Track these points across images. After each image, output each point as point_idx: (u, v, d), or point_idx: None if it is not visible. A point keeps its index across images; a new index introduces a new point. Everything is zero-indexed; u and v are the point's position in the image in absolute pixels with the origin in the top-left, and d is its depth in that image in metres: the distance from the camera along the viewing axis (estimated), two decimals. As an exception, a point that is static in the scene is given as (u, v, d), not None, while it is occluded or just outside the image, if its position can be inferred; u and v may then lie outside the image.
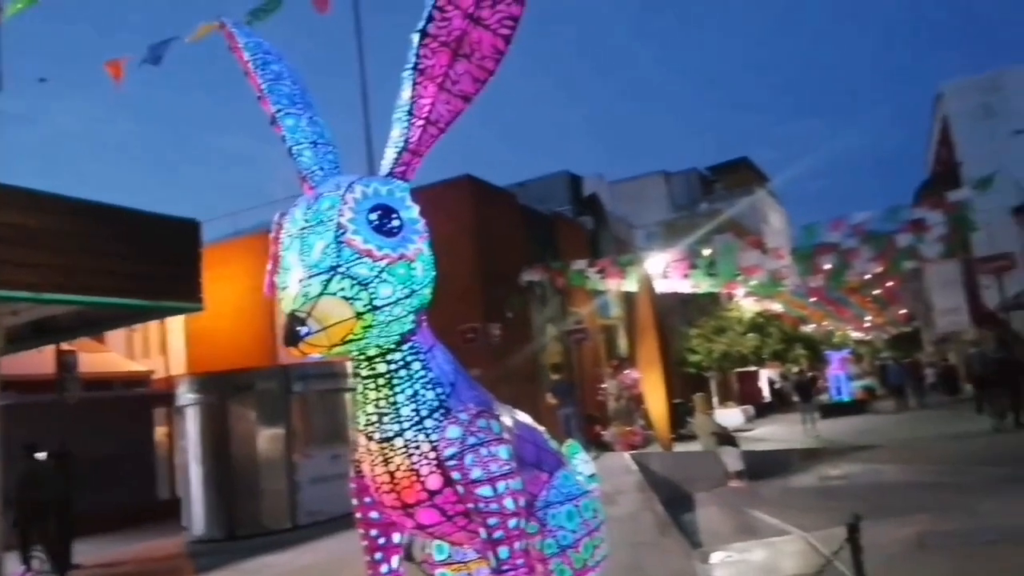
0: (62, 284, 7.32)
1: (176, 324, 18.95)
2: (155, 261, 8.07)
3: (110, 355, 17.89)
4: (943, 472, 10.15)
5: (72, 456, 10.57)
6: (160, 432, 16.31)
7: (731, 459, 11.47)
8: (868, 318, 39.67)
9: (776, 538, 7.29)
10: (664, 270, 17.78)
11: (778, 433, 20.09)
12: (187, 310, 9.05)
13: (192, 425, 11.73)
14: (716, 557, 6.93)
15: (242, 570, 8.70)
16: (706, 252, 17.73)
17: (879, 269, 18.72)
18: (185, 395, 11.82)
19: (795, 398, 23.63)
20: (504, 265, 17.78)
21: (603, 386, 21.75)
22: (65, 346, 13.16)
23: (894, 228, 15.17)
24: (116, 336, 18.55)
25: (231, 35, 2.99)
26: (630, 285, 17.90)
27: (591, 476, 3.11)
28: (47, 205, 7.59)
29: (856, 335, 46.68)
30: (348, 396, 13.18)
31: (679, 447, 15.34)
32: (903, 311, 36.77)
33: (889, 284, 26.83)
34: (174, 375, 17.44)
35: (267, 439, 11.70)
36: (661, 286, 18.46)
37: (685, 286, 19.31)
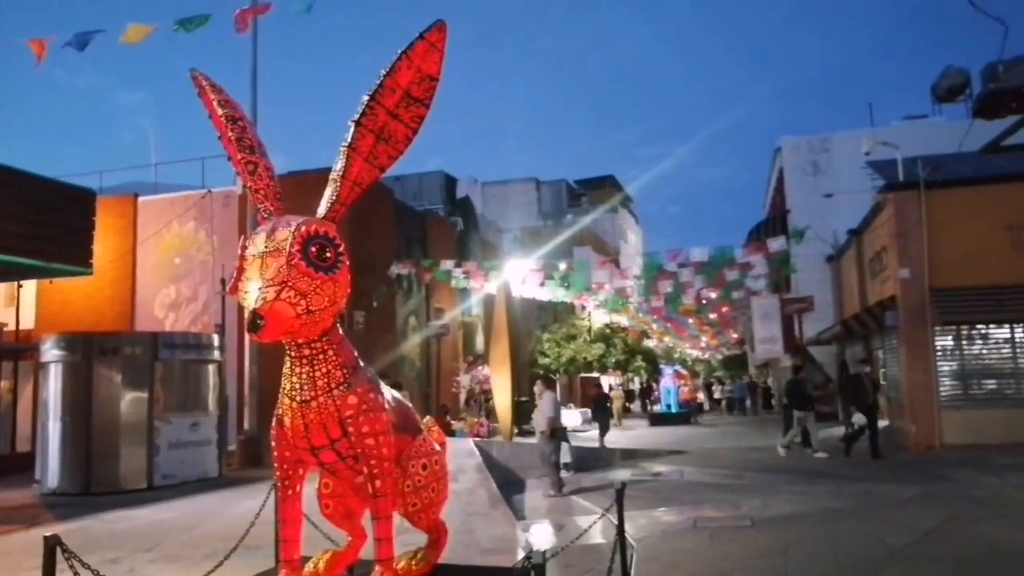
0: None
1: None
2: (49, 224, 8.52)
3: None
4: (728, 475, 12.12)
5: None
6: (3, 387, 16.07)
7: (561, 452, 12.98)
8: (704, 339, 43.22)
9: (585, 516, 8.78)
10: (523, 277, 19.28)
11: (609, 436, 22.06)
12: (77, 273, 9.51)
13: (54, 382, 11.92)
14: (534, 528, 8.35)
15: (103, 520, 9.26)
16: (563, 266, 19.36)
17: (712, 295, 21.17)
18: (50, 352, 11.98)
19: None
20: (374, 256, 18.71)
21: (457, 379, 23.10)
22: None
23: (723, 264, 17.37)
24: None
25: (203, 87, 3.95)
26: (492, 288, 19.26)
27: (441, 445, 4.32)
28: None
29: (693, 353, 50.61)
30: (211, 368, 13.74)
31: (520, 440, 16.78)
32: (735, 335, 40.28)
33: (724, 309, 29.86)
34: (24, 329, 17.11)
35: (130, 402, 12.09)
36: (520, 291, 19.93)
37: (542, 293, 20.93)
